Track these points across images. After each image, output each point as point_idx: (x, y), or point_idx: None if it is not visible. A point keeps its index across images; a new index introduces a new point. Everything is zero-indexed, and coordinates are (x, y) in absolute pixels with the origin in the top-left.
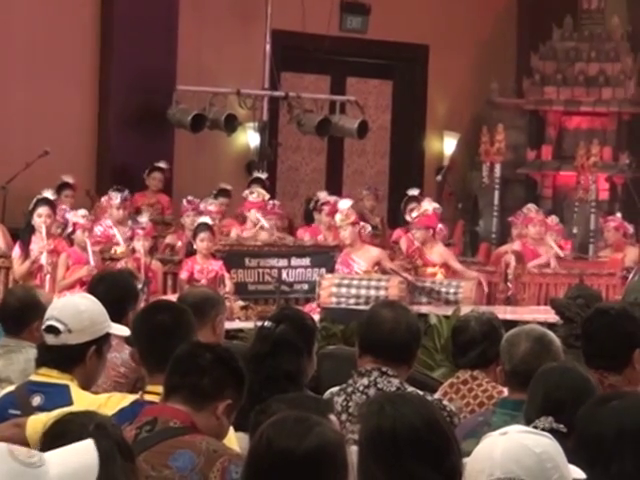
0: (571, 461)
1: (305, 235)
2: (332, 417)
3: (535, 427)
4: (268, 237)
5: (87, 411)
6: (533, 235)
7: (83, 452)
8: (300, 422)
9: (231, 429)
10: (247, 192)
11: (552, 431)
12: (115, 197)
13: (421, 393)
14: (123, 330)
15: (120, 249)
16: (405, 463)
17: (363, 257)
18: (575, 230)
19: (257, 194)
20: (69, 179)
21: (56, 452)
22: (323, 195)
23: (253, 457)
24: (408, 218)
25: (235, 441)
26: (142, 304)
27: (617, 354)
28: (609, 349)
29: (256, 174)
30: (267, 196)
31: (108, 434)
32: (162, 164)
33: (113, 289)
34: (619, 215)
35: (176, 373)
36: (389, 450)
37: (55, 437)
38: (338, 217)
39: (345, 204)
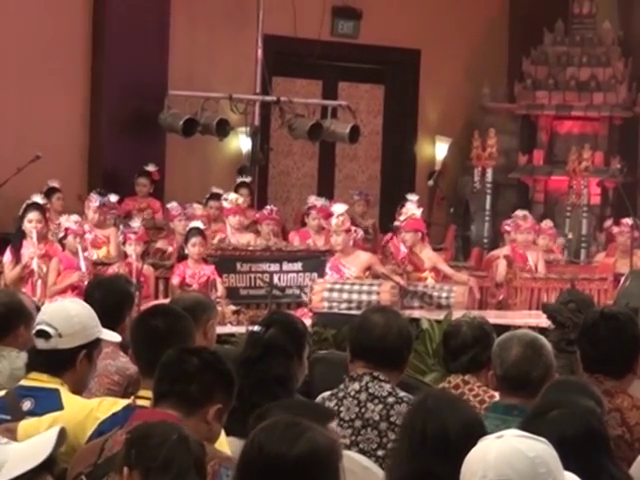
0: None
1: (295, 239)
2: (332, 425)
3: None
4: (253, 240)
5: (172, 424)
6: (522, 242)
7: (47, 435)
8: (291, 427)
9: (222, 432)
10: (222, 198)
11: None
12: (94, 200)
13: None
14: (114, 336)
15: (102, 252)
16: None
17: (353, 263)
18: (570, 235)
19: (229, 201)
20: (55, 183)
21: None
22: (312, 199)
23: (244, 462)
24: (397, 223)
25: (226, 444)
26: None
27: (622, 360)
28: (615, 355)
29: (240, 179)
30: (240, 199)
31: (189, 449)
32: (150, 167)
33: (110, 295)
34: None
35: (164, 380)
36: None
37: (140, 438)
38: (334, 222)
39: (340, 208)
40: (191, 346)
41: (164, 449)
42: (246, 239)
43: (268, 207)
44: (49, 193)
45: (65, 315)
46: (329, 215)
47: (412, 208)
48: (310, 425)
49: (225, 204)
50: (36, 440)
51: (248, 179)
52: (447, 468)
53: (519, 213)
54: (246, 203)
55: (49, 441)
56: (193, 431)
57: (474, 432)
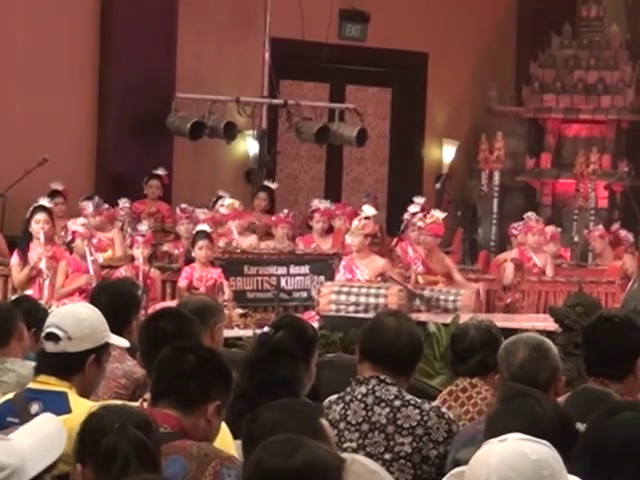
0: (574, 469)
1: (299, 244)
2: (323, 422)
3: None
4: (255, 241)
5: (119, 406)
6: (532, 244)
7: (45, 423)
8: (289, 442)
9: (228, 432)
10: (218, 204)
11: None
12: (87, 206)
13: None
14: (122, 341)
15: (107, 255)
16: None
17: (368, 266)
18: (576, 238)
19: (226, 206)
20: (58, 186)
21: (20, 429)
22: (316, 202)
23: (245, 478)
24: (420, 223)
25: (232, 444)
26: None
27: (620, 362)
28: (612, 357)
29: (266, 183)
30: (237, 203)
31: (129, 438)
32: (160, 171)
33: (116, 298)
34: (618, 225)
35: (161, 380)
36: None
37: (86, 431)
38: (354, 224)
39: (369, 211)
40: (186, 343)
41: (105, 441)
42: (247, 242)
43: (285, 211)
44: (53, 196)
45: (75, 318)
46: (354, 215)
47: (437, 213)
48: (309, 441)
49: (222, 210)
50: (40, 436)
51: (274, 185)
52: None
53: (530, 215)
54: (260, 207)
55: (58, 438)
56: (193, 428)
57: None
